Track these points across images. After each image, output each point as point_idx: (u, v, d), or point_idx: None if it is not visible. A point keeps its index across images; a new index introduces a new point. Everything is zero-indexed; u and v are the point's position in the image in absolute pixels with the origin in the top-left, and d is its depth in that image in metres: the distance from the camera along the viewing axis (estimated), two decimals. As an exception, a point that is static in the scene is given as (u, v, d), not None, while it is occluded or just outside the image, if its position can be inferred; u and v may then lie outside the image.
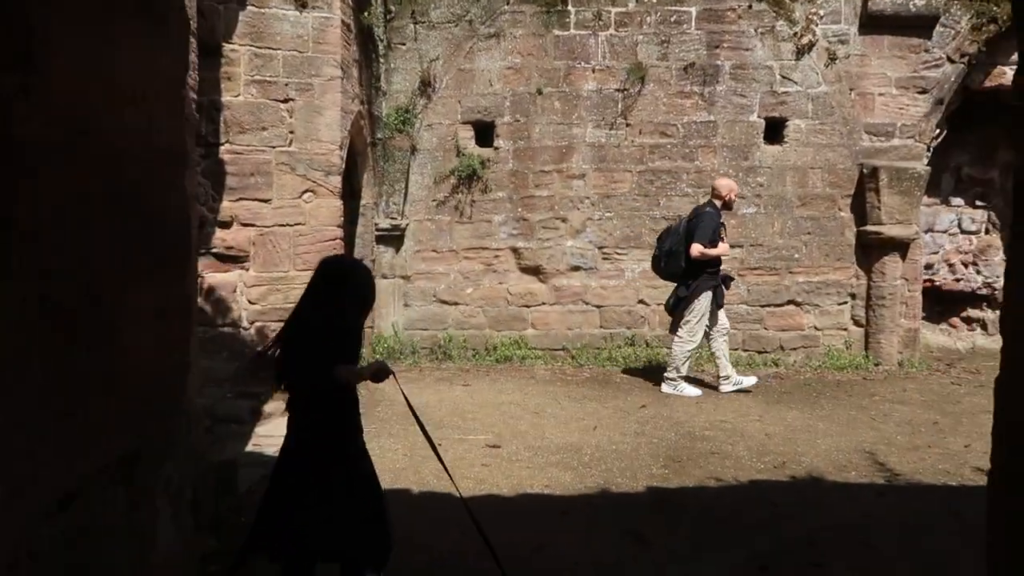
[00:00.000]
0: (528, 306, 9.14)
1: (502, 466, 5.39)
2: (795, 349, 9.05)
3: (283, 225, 7.02)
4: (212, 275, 6.88)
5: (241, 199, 6.91)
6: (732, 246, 8.93)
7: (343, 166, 7.35)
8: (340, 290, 3.28)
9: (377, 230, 8.88)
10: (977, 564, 4.06)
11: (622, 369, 8.65)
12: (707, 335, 7.61)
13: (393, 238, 9.03)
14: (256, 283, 6.99)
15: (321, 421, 3.20)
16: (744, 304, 9.04)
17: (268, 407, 6.36)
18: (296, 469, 3.18)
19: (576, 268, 9.07)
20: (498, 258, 9.11)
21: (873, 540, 4.18)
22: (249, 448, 5.61)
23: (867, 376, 8.50)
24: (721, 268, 7.64)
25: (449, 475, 3.70)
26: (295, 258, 7.07)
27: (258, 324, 7.00)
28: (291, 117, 6.97)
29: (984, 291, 10.15)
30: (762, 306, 9.03)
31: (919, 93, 8.82)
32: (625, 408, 6.99)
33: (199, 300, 6.63)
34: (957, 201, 10.10)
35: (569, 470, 5.31)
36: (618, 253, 9.05)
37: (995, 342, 10.16)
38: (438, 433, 6.06)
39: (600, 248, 9.06)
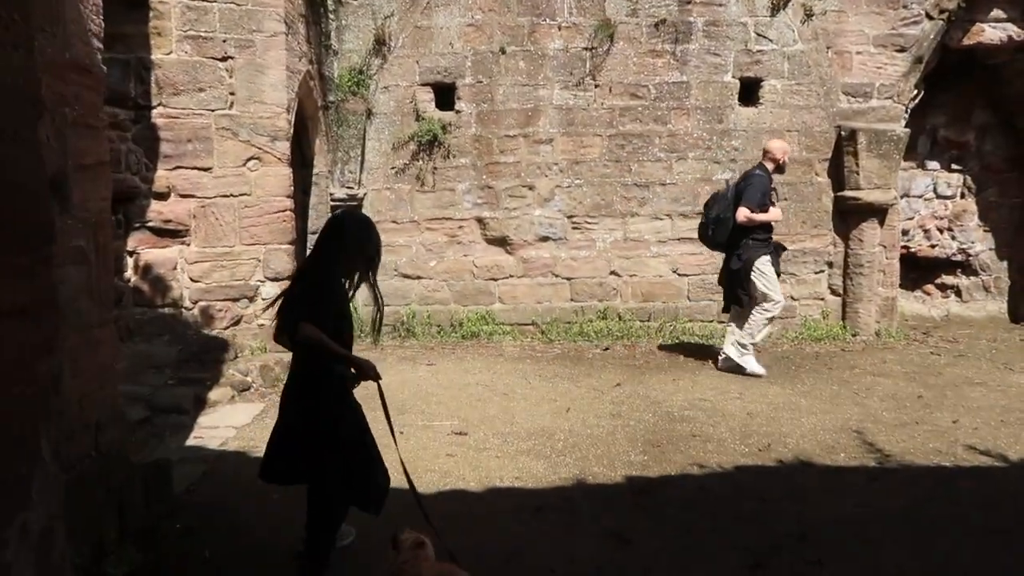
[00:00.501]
0: (495, 279, 8.69)
1: (469, 456, 4.98)
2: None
3: (226, 196, 6.44)
4: (149, 251, 6.30)
5: (178, 168, 6.30)
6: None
7: (291, 131, 6.76)
8: (329, 243, 3.34)
9: (332, 200, 8.32)
10: (982, 555, 3.81)
11: (594, 344, 8.27)
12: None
13: (350, 209, 8.46)
14: (199, 259, 6.42)
15: (311, 408, 3.24)
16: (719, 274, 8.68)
17: (214, 394, 5.85)
18: (287, 453, 3.31)
19: (545, 238, 8.63)
20: (462, 229, 8.62)
21: (871, 533, 3.86)
22: (191, 442, 5.11)
23: (845, 347, 8.24)
24: (772, 235, 7.07)
25: (407, 474, 3.32)
26: (241, 232, 6.51)
27: (202, 304, 6.45)
28: (231, 77, 6.35)
29: (959, 257, 9.96)
30: (737, 276, 8.68)
31: (897, 51, 8.46)
32: (599, 387, 6.62)
33: (134, 279, 6.07)
34: (933, 165, 9.84)
35: (541, 459, 4.91)
36: (588, 222, 8.62)
37: (969, 309, 10.02)
38: (400, 419, 5.62)
39: (569, 217, 8.62)
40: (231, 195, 6.44)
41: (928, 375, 7.07)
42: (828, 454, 5.02)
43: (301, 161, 8.01)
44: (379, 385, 3.43)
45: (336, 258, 3.28)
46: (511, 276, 8.68)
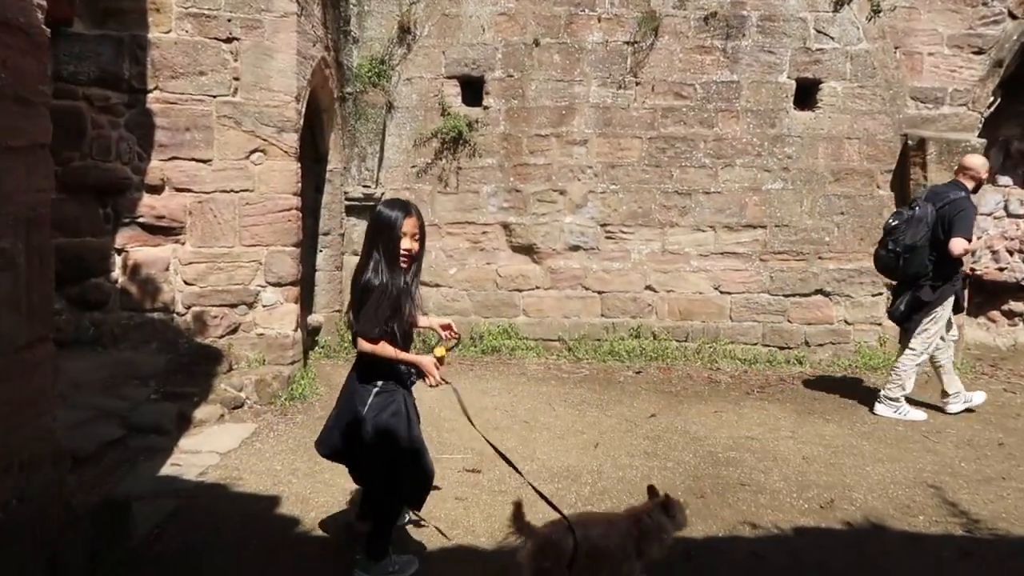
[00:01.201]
0: (520, 290, 8.01)
1: (482, 500, 4.30)
2: (822, 345, 7.96)
3: (226, 191, 5.84)
4: (139, 250, 5.72)
5: (174, 158, 5.72)
6: (753, 226, 7.83)
7: (301, 122, 6.15)
8: (367, 241, 3.33)
9: (347, 199, 7.70)
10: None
11: (626, 366, 7.55)
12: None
13: (366, 208, 7.84)
14: (194, 260, 5.83)
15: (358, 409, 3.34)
16: (765, 293, 7.93)
17: (201, 412, 5.24)
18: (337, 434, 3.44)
19: (575, 248, 7.93)
20: (486, 234, 7.95)
21: (973, 631, 3.12)
22: (167, 469, 4.50)
23: (905, 378, 7.41)
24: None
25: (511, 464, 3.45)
26: (241, 231, 5.90)
27: (196, 309, 5.86)
28: (235, 60, 5.75)
29: (1029, 282, 9.08)
30: (786, 296, 7.92)
31: (975, 53, 7.64)
32: (631, 417, 5.90)
33: (122, 279, 5.49)
34: (1005, 180, 8.96)
35: (566, 507, 4.20)
36: (624, 232, 7.90)
37: (1039, 339, 9.12)
38: (405, 451, 4.98)
39: (603, 226, 7.91)
40: (232, 190, 5.84)
41: (1005, 416, 6.25)
42: (904, 515, 4.26)
43: (314, 156, 7.40)
44: (453, 388, 3.46)
45: (370, 256, 3.23)
46: (537, 287, 8.00)
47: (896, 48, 7.68)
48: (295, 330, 6.10)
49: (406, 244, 3.20)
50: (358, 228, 7.85)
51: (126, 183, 5.60)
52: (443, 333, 3.61)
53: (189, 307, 5.83)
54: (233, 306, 5.93)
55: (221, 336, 5.89)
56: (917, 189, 7.61)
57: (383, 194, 7.93)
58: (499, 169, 7.90)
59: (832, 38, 7.65)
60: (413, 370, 3.38)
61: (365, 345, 3.21)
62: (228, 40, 5.70)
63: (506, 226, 7.95)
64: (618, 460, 4.97)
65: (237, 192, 5.85)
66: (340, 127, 7.47)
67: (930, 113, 7.74)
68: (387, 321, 3.18)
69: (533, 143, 7.85)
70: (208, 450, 4.78)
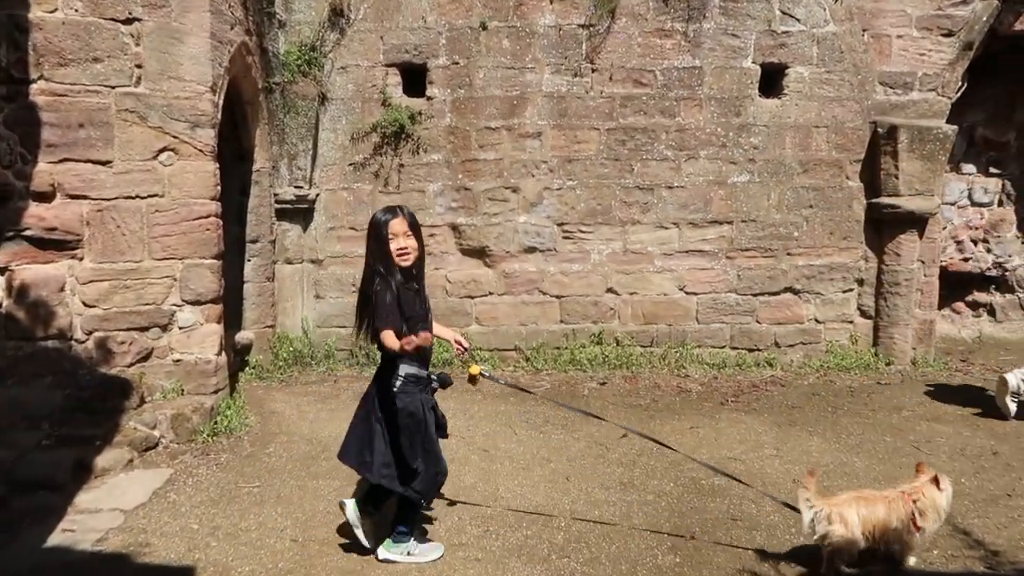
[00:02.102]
0: (472, 296, 7.36)
1: (436, 562, 3.65)
2: (792, 346, 7.54)
3: (131, 197, 5.04)
4: (26, 268, 4.88)
5: (67, 160, 4.89)
6: (719, 222, 7.35)
7: (219, 116, 5.38)
8: (367, 252, 3.41)
9: (277, 202, 6.93)
10: None
11: (589, 376, 6.99)
12: None
13: (299, 212, 7.10)
14: (94, 278, 5.02)
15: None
16: (733, 293, 7.46)
17: (104, 458, 4.47)
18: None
19: (531, 249, 7.33)
20: (434, 237, 7.27)
21: None
22: (56, 538, 3.73)
23: (881, 379, 7.05)
24: None
25: None
26: (150, 243, 5.11)
27: (99, 335, 5.05)
28: (137, 45, 4.95)
29: (994, 272, 8.86)
30: (754, 295, 7.47)
31: (944, 36, 7.28)
32: (601, 439, 5.33)
33: (7, 303, 4.67)
34: (968, 168, 8.72)
35: (538, 563, 3.60)
36: (582, 231, 7.33)
37: (1004, 330, 8.91)
38: (347, 491, 4.32)
39: (560, 225, 7.32)
40: (138, 196, 5.04)
41: (991, 420, 5.89)
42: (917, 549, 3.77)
43: (238, 154, 6.62)
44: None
45: (370, 266, 3.35)
46: (491, 293, 7.37)
47: (864, 31, 7.27)
48: (218, 354, 5.34)
49: (400, 243, 3.28)
50: (291, 233, 7.10)
51: (7, 190, 4.76)
52: (454, 348, 3.73)
53: (90, 333, 5.02)
54: (144, 329, 5.14)
55: (130, 364, 5.09)
56: (888, 179, 7.25)
57: (317, 195, 7.19)
58: (446, 165, 7.23)
59: (798, 20, 7.20)
60: (434, 376, 3.54)
61: (388, 339, 3.20)
62: (128, 21, 4.89)
63: (455, 227, 7.29)
64: (592, 495, 4.38)
65: (144, 198, 5.06)
66: (267, 122, 6.70)
67: (899, 99, 7.36)
68: (401, 319, 3.27)
69: (482, 136, 7.21)
70: (111, 507, 4.02)
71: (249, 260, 6.67)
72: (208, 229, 5.25)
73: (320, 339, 7.27)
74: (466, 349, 3.73)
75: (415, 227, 3.37)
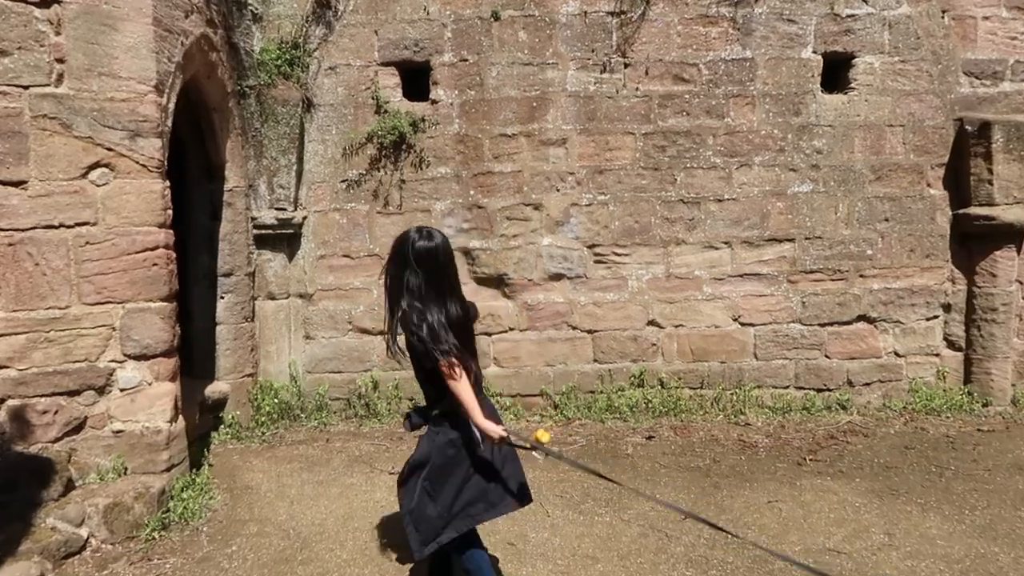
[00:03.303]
0: (488, 333, 6.24)
1: None
2: (868, 385, 6.36)
3: (53, 226, 3.97)
4: (-82, 320, 3.80)
5: (-31, 181, 3.83)
6: (779, 240, 6.21)
7: (168, 123, 4.31)
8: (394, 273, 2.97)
9: (256, 227, 5.86)
10: None
11: (631, 427, 5.83)
12: None
13: (282, 238, 6.02)
14: (6, 330, 3.94)
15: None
16: (797, 323, 6.30)
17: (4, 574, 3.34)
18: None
19: (557, 276, 6.21)
20: (442, 265, 6.15)
21: None
22: None
23: (980, 424, 5.86)
24: None
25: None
26: (80, 283, 4.03)
27: (13, 402, 3.96)
28: (58, 34, 3.90)
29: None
30: (822, 325, 6.31)
31: (1040, 15, 6.15)
32: (658, 523, 4.17)
33: None
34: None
35: None
36: (617, 254, 6.21)
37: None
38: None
39: (591, 247, 6.21)
40: (62, 225, 3.97)
41: None
42: None
43: (206, 172, 5.56)
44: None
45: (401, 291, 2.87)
46: (511, 329, 6.24)
47: (944, 12, 6.15)
48: (171, 420, 4.23)
49: None
50: (273, 264, 6.01)
51: None
52: None
53: (2, 400, 3.93)
54: (73, 393, 4.05)
55: (56, 439, 4.00)
56: (979, 186, 6.08)
57: (304, 218, 6.11)
58: (455, 180, 6.14)
59: (866, 1, 6.09)
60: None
61: (454, 376, 2.74)
62: (43, 2, 3.84)
63: (468, 253, 6.19)
64: (661, 620, 3.23)
65: (71, 227, 3.99)
66: (240, 132, 5.64)
67: (988, 91, 6.21)
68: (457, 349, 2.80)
69: (497, 145, 6.12)
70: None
71: (222, 297, 5.58)
72: (156, 264, 4.17)
73: (311, 387, 6.16)
74: None
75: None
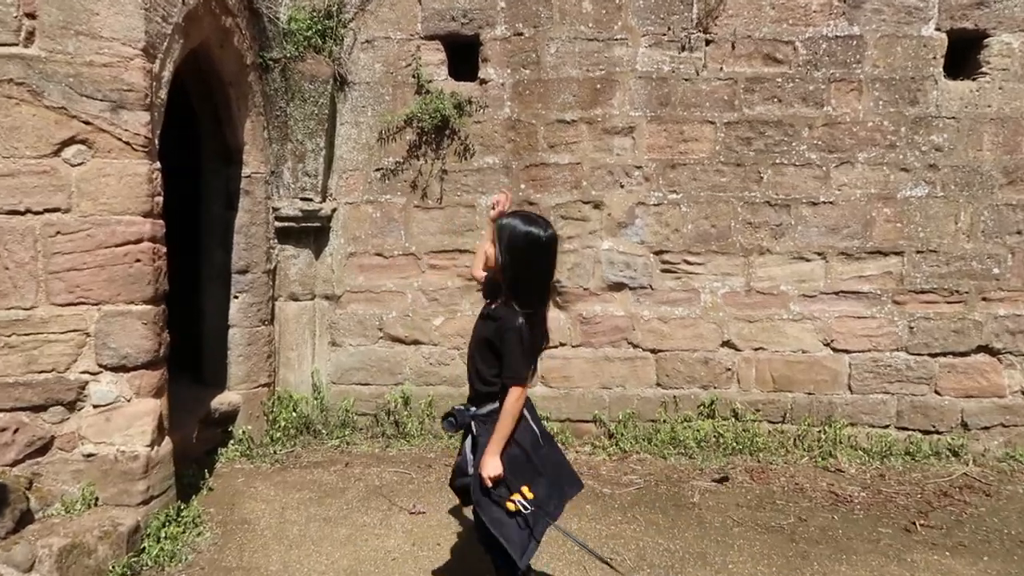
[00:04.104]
0: (535, 348, 5.46)
1: None
2: (988, 429, 5.32)
3: (18, 212, 3.37)
4: None
5: (-79, 156, 3.26)
6: (883, 252, 5.24)
7: (162, 93, 3.68)
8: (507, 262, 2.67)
9: (277, 219, 5.22)
10: None
11: (699, 466, 4.97)
12: None
13: (308, 232, 5.37)
14: (-35, 333, 3.36)
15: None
16: (902, 351, 5.32)
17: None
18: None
19: (617, 286, 5.39)
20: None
21: None
22: None
23: None
24: None
25: None
26: (49, 280, 3.43)
27: (-29, 417, 3.37)
28: (27, -18, 3.29)
29: None
30: (932, 355, 5.30)
31: None
32: (733, 606, 3.32)
33: None
34: None
35: None
36: (689, 262, 5.34)
37: None
38: None
39: (658, 253, 5.35)
40: (28, 211, 3.37)
41: None
42: None
43: (222, 156, 4.95)
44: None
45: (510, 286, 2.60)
46: (561, 344, 5.45)
47: (1103, -19, 5.06)
48: (152, 444, 3.60)
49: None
50: (297, 261, 5.36)
51: None
52: None
53: (-44, 416, 3.36)
54: (38, 409, 3.46)
55: (16, 461, 3.41)
56: None
57: (334, 210, 5.45)
58: (504, 172, 5.38)
59: (1004, -33, 5.06)
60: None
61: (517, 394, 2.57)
62: (10, -54, 3.24)
63: (515, 255, 5.41)
64: None
65: (39, 213, 3.38)
66: (261, 111, 5.00)
67: None
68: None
69: (554, 133, 5.33)
70: None
71: (236, 297, 4.96)
72: (139, 260, 3.53)
73: (335, 400, 5.50)
74: None
75: (500, 239, 2.64)
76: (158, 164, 3.65)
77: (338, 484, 4.57)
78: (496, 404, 2.61)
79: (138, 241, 3.53)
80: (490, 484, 2.51)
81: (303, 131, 5.14)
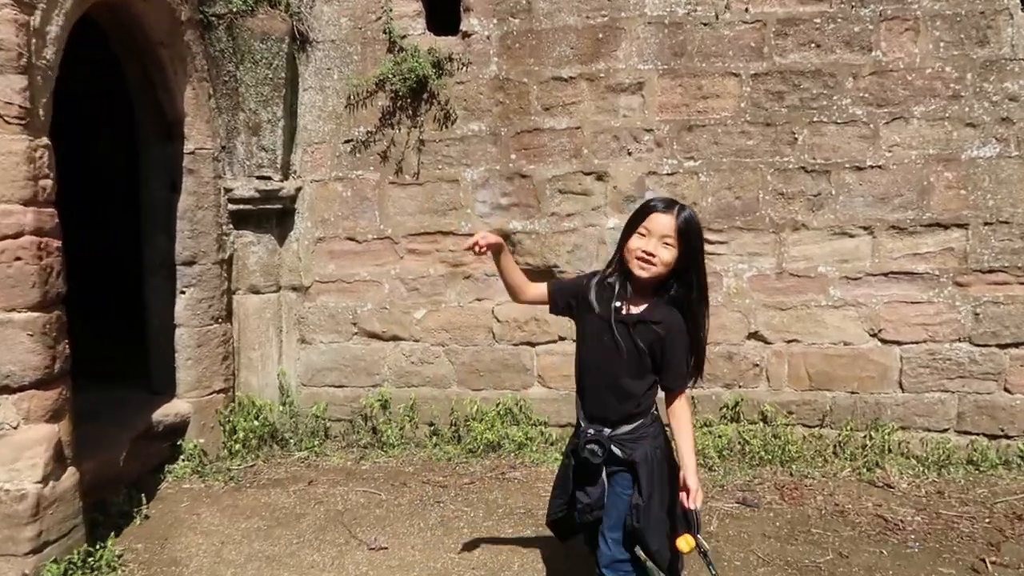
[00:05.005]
0: (532, 343, 4.76)
1: None
2: (1069, 432, 4.48)
3: None
4: None
5: None
6: (943, 225, 4.39)
7: (40, 52, 3.00)
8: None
9: (231, 201, 4.55)
10: None
11: (721, 478, 4.23)
12: None
13: (268, 216, 4.70)
14: None
15: None
16: (964, 342, 4.48)
17: None
18: None
19: (624, 271, 4.63)
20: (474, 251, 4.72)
21: None
22: None
23: None
24: None
25: None
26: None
27: None
28: None
29: None
30: (1002, 346, 4.46)
31: None
32: None
33: None
34: None
35: None
36: (709, 240, 4.53)
37: None
38: None
39: (673, 232, 4.58)
40: None
41: None
42: None
43: (161, 130, 4.28)
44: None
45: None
46: (562, 338, 4.73)
47: None
48: (44, 480, 2.99)
49: (650, 246, 2.25)
50: (257, 249, 4.70)
51: None
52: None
53: None
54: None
55: None
56: None
57: (299, 190, 4.77)
58: (491, 140, 4.63)
59: None
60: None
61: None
62: None
63: (507, 236, 4.69)
64: None
65: None
66: (206, 77, 4.31)
67: None
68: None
69: (549, 93, 4.56)
70: None
71: (182, 292, 4.34)
72: (19, 258, 2.90)
73: (306, 405, 4.87)
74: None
75: (687, 237, 2.26)
76: (45, 140, 3.00)
77: (295, 509, 3.94)
78: (641, 420, 2.36)
79: (17, 235, 2.89)
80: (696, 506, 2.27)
81: (256, 99, 4.45)
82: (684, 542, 2.25)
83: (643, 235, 2.29)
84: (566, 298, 2.49)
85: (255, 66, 4.38)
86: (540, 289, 2.53)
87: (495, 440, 4.62)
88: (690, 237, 2.28)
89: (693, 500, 2.24)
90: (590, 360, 2.40)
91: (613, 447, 2.35)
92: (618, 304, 2.33)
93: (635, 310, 2.33)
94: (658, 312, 2.31)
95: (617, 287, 2.35)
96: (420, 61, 4.51)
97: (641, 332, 2.31)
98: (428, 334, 4.80)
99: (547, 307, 2.59)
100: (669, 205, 2.31)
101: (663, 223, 2.27)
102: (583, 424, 2.42)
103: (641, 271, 2.28)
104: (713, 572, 2.31)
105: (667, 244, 2.26)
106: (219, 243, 4.47)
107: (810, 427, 4.62)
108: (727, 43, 4.42)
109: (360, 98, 4.68)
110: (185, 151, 4.25)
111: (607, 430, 2.36)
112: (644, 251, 2.27)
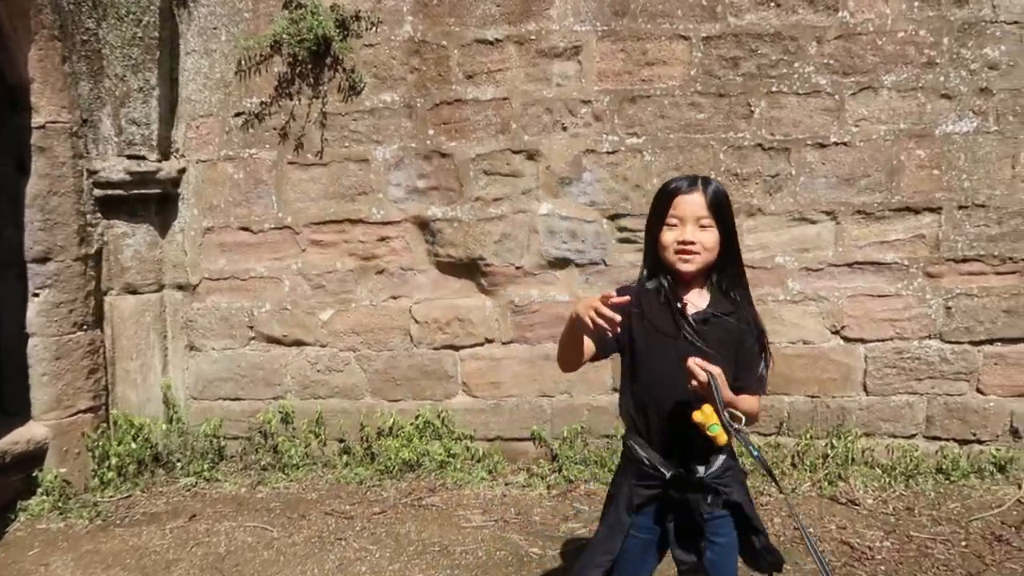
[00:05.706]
0: (456, 347, 4.18)
1: None
2: (1047, 437, 4.09)
3: None
4: None
5: None
6: (914, 209, 3.93)
7: None
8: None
9: (98, 185, 3.86)
10: None
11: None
12: None
13: (146, 202, 4.01)
14: None
15: None
16: (935, 339, 4.04)
17: None
18: None
19: (560, 263, 4.07)
20: (387, 242, 4.11)
21: None
22: None
23: None
24: None
25: None
26: None
27: None
28: None
29: None
30: (975, 343, 4.03)
31: None
32: None
33: None
34: None
35: None
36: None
37: None
38: None
39: (614, 218, 4.03)
40: None
41: None
42: None
43: (4, 96, 3.55)
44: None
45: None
46: (488, 341, 4.16)
47: None
48: None
49: (686, 233, 1.90)
50: (132, 241, 4.02)
51: None
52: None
53: None
54: None
55: None
56: None
57: (182, 171, 4.08)
58: (405, 113, 4.01)
59: None
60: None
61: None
62: None
63: (425, 224, 4.09)
64: None
65: None
66: (57, 35, 3.58)
67: None
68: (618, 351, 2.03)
69: (471, 58, 3.94)
70: None
71: (35, 295, 3.65)
72: None
73: (196, 420, 4.23)
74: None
75: (721, 211, 1.93)
76: None
77: (167, 554, 3.32)
78: (725, 454, 1.92)
79: None
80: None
81: (124, 62, 3.74)
82: (702, 414, 1.72)
83: (673, 225, 1.94)
84: (605, 350, 2.04)
85: (120, 22, 3.67)
86: (588, 343, 2.01)
87: (413, 458, 4.06)
88: (724, 211, 1.97)
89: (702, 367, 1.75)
90: (654, 385, 1.94)
91: (723, 488, 1.91)
92: (679, 305, 1.94)
93: (699, 306, 1.95)
94: (722, 304, 1.96)
95: (664, 291, 1.97)
96: (321, 19, 3.85)
97: (712, 331, 1.92)
98: (336, 338, 4.19)
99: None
100: (692, 182, 1.98)
101: (693, 203, 1.93)
102: (662, 469, 1.91)
103: (685, 265, 1.93)
104: (755, 452, 1.72)
105: (704, 226, 1.93)
106: (82, 235, 3.77)
107: (766, 435, 4.15)
108: (675, 2, 3.85)
109: (253, 63, 4.01)
110: (34, 125, 3.55)
111: (701, 468, 1.90)
112: (681, 242, 1.92)
